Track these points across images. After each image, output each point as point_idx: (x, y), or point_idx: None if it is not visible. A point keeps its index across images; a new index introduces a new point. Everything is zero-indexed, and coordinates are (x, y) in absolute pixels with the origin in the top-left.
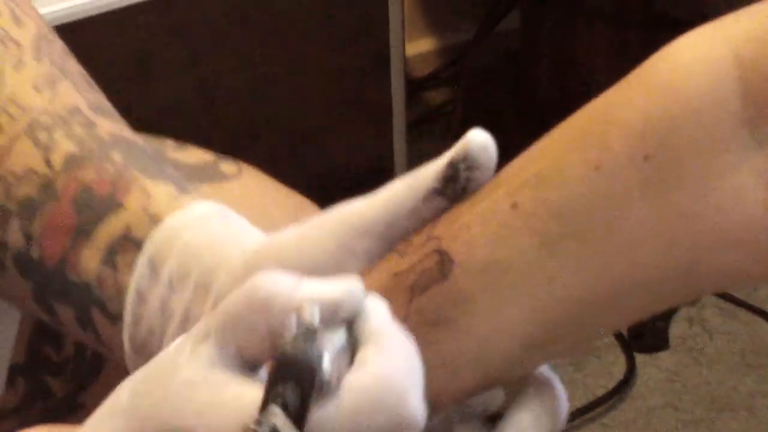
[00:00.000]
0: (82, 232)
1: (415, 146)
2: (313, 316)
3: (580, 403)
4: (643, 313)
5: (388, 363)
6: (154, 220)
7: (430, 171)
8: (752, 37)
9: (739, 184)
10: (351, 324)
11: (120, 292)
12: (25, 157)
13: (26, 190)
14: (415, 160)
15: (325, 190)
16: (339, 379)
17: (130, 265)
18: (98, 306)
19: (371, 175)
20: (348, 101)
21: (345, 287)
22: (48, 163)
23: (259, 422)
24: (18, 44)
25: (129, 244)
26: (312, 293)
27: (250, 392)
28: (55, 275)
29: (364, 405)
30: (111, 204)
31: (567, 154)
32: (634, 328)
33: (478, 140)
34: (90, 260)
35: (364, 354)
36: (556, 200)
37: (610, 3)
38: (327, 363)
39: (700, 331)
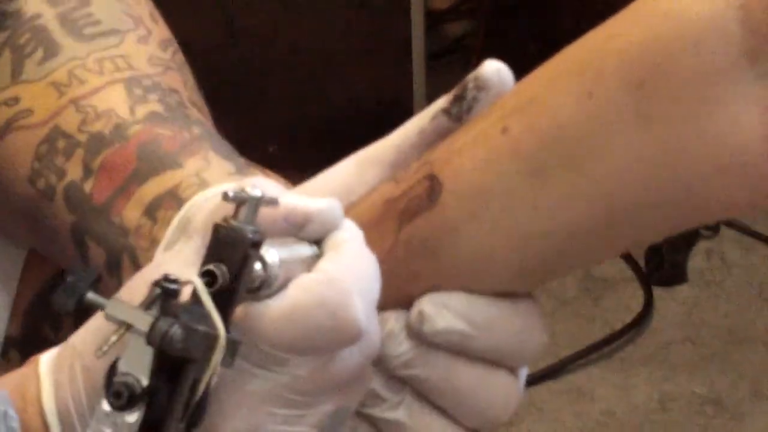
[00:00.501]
0: (137, 177)
1: (435, 79)
2: (262, 210)
3: (597, 337)
4: (632, 243)
5: (339, 268)
6: (203, 185)
7: (441, 99)
8: None
9: (736, 113)
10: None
11: (153, 244)
12: (113, 99)
13: (101, 125)
14: (434, 93)
15: (345, 122)
16: (290, 278)
17: (168, 222)
18: (129, 254)
19: (391, 107)
20: (368, 33)
21: (320, 203)
22: (132, 110)
23: (168, 294)
24: (149, 31)
25: (173, 201)
26: (288, 197)
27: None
28: (98, 214)
29: (305, 300)
30: (172, 161)
31: (560, 81)
32: (652, 261)
33: (492, 64)
34: (134, 208)
35: (321, 261)
36: (546, 126)
37: None
38: (274, 256)
39: (718, 265)
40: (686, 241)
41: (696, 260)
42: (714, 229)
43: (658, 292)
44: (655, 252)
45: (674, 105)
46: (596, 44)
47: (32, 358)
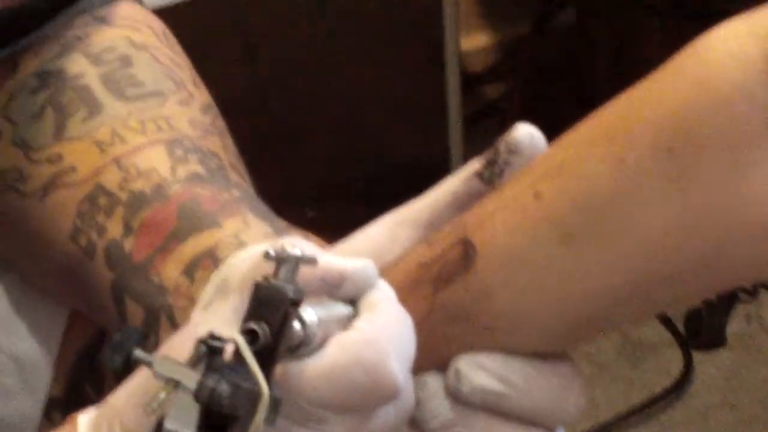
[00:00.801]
0: (176, 236)
1: (471, 142)
2: (302, 272)
3: (637, 400)
4: (665, 307)
5: (375, 327)
6: (241, 246)
7: (474, 161)
8: None
9: (766, 178)
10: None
11: (191, 303)
12: (154, 159)
13: (141, 184)
14: (471, 155)
15: (382, 184)
16: (326, 337)
17: (206, 281)
18: (167, 313)
19: (427, 169)
20: (404, 95)
21: (355, 264)
22: (172, 170)
23: (213, 352)
24: (191, 95)
25: (211, 260)
26: (326, 259)
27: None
28: (137, 272)
29: (343, 359)
30: (211, 221)
31: (591, 146)
32: (690, 325)
33: (524, 128)
34: (173, 267)
35: (358, 321)
36: (578, 191)
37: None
38: (313, 315)
39: (758, 329)
40: (725, 304)
41: (735, 324)
42: (753, 292)
43: (697, 356)
44: (693, 315)
45: (705, 171)
46: (627, 110)
47: (70, 417)
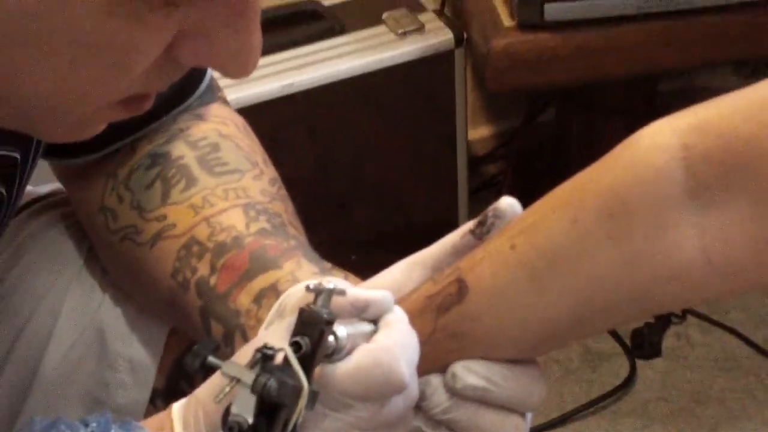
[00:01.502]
0: (248, 275)
1: (474, 208)
2: (332, 303)
3: (594, 396)
4: (606, 327)
5: (390, 340)
6: (295, 282)
7: (469, 222)
8: (695, 128)
9: (682, 235)
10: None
11: (258, 323)
12: (234, 218)
13: (224, 237)
14: (474, 218)
15: (403, 241)
16: (353, 348)
17: (269, 307)
18: (241, 330)
19: (441, 228)
20: (425, 173)
21: (377, 294)
22: (247, 226)
23: (266, 357)
24: (262, 171)
25: (273, 293)
26: (353, 291)
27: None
28: (219, 300)
29: (365, 362)
30: (274, 263)
31: (553, 211)
32: (635, 340)
33: (507, 200)
34: (245, 297)
35: (377, 335)
36: (543, 244)
37: (622, 100)
38: (343, 332)
39: (685, 344)
40: (661, 324)
41: (668, 340)
42: (682, 316)
43: (639, 363)
44: (637, 332)
45: (636, 230)
46: (580, 184)
47: (169, 406)
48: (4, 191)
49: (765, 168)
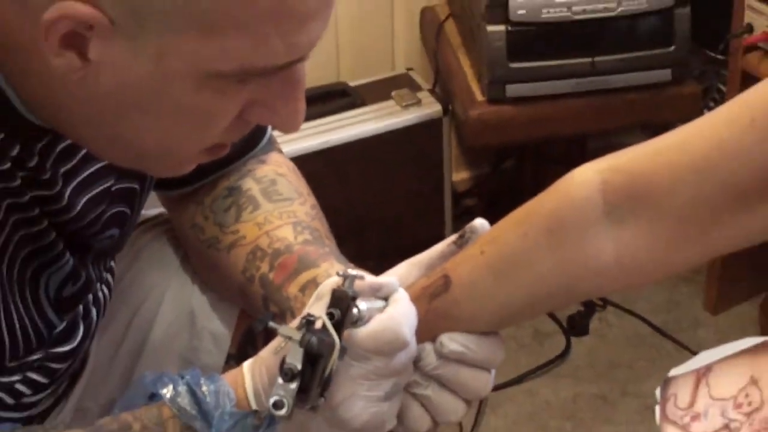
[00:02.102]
0: (296, 272)
1: (456, 230)
2: (355, 285)
3: (541, 363)
4: (548, 311)
5: (396, 312)
6: (328, 276)
7: (452, 236)
8: (609, 169)
9: (601, 245)
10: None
11: (303, 307)
12: (286, 232)
13: (279, 245)
14: None
15: (404, 253)
16: (370, 318)
17: (310, 295)
18: (291, 312)
19: (430, 245)
20: (419, 205)
21: (387, 279)
22: (295, 238)
23: (310, 323)
24: (306, 199)
25: (313, 284)
26: (371, 279)
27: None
28: (276, 290)
29: (379, 327)
30: (315, 263)
31: (510, 227)
32: (570, 322)
33: (478, 221)
34: (294, 287)
35: (387, 308)
36: (503, 251)
37: (562, 153)
38: (363, 306)
39: (605, 325)
40: (588, 311)
41: (594, 323)
42: (603, 304)
43: (573, 339)
44: (571, 317)
45: (568, 242)
46: (529, 209)
47: (240, 365)
48: (129, 212)
49: (658, 198)
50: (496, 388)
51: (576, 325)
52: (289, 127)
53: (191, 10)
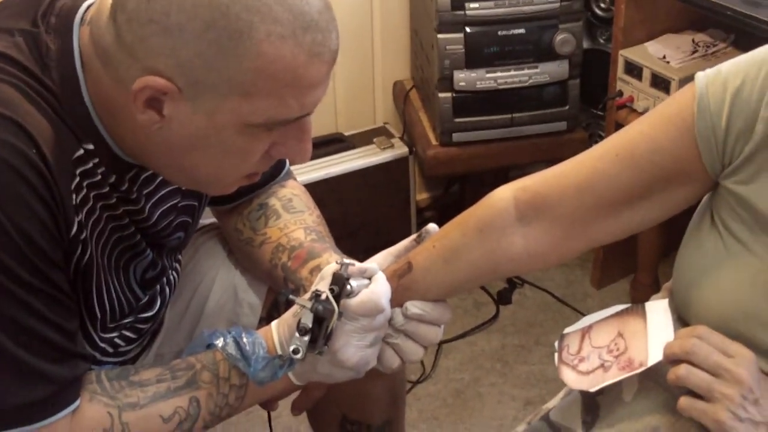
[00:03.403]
0: (306, 260)
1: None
2: (348, 270)
3: (478, 323)
4: (480, 285)
5: (377, 288)
6: (328, 263)
7: (413, 235)
8: (520, 188)
9: (514, 239)
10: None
11: (310, 284)
12: (299, 234)
13: (294, 242)
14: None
15: (376, 253)
16: (359, 291)
17: (316, 276)
18: (303, 288)
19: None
20: (392, 217)
21: (371, 265)
22: (305, 237)
23: (317, 296)
24: (313, 211)
25: (318, 269)
26: (358, 265)
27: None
28: (292, 273)
29: (365, 298)
30: (319, 255)
31: (453, 228)
32: (499, 295)
33: (432, 225)
34: (305, 271)
35: (371, 285)
36: (448, 245)
37: (492, 180)
38: (354, 284)
39: (523, 297)
40: (511, 287)
41: (515, 296)
42: (521, 282)
43: (501, 308)
44: (499, 291)
45: (492, 238)
46: (466, 215)
47: (269, 324)
48: (191, 221)
49: (552, 207)
50: (447, 341)
51: (503, 297)
52: (300, 160)
53: (233, 82)
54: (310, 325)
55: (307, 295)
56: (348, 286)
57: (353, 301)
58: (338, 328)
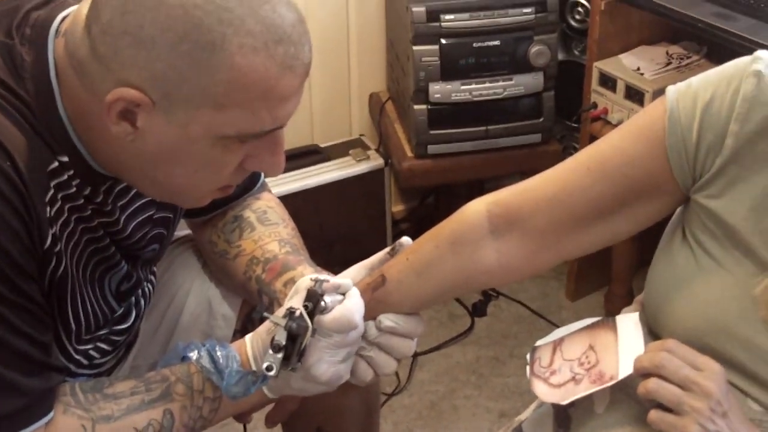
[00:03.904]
0: (281, 273)
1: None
2: (323, 286)
3: (453, 335)
4: (454, 297)
5: (350, 304)
6: (302, 276)
7: (387, 248)
8: (493, 202)
9: (487, 252)
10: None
11: (284, 297)
12: (274, 246)
13: (269, 255)
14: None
15: (355, 260)
16: (332, 308)
17: (290, 289)
18: (277, 301)
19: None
20: (369, 227)
21: (344, 281)
22: (280, 250)
23: (291, 313)
24: (287, 224)
25: (292, 282)
26: (332, 281)
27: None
28: (267, 286)
29: (338, 315)
30: (293, 267)
31: (426, 241)
32: (474, 307)
33: (405, 238)
34: (279, 283)
35: (344, 301)
36: (421, 258)
37: (467, 192)
38: (328, 299)
39: (498, 309)
40: (486, 299)
41: (490, 308)
42: (496, 294)
43: (476, 319)
44: (474, 304)
45: (465, 251)
46: (439, 228)
47: (243, 338)
48: (165, 233)
49: (524, 221)
50: (422, 353)
51: (478, 309)
52: (273, 173)
53: (206, 93)
54: (284, 343)
55: (281, 312)
56: (322, 303)
57: (327, 318)
58: (312, 344)
